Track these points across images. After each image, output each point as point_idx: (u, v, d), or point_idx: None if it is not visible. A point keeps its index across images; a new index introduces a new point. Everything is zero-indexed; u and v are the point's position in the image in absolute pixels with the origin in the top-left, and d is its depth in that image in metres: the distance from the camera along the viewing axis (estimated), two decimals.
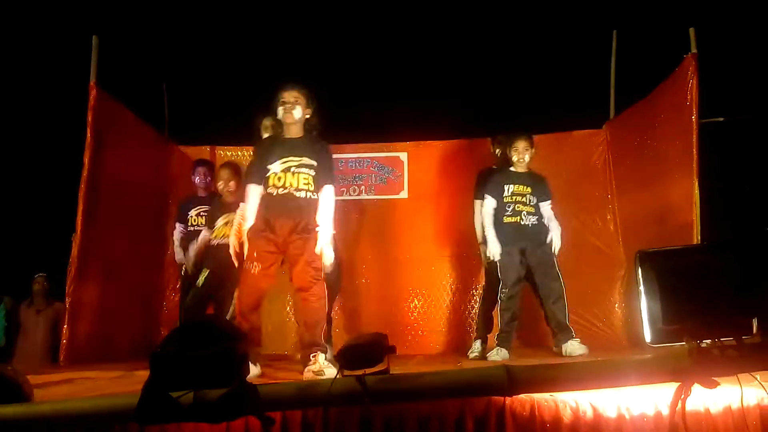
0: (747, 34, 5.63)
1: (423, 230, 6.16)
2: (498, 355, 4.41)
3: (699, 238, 4.21)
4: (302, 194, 3.59)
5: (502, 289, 4.57)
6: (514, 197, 4.59)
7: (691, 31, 4.52)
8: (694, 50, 4.48)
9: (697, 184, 4.30)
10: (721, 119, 4.89)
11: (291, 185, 3.57)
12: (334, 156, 4.17)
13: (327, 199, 3.66)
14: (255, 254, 3.55)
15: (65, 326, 4.76)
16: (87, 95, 4.93)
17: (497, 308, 4.67)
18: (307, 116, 3.72)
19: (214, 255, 4.57)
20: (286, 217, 3.56)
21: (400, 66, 6.57)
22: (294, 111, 3.64)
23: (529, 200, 4.60)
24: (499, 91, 6.50)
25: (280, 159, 3.60)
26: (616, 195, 5.74)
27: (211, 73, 6.64)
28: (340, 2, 6.57)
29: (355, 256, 5.99)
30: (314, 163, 3.64)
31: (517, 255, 4.53)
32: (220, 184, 4.71)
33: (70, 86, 5.29)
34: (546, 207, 4.66)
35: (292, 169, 3.59)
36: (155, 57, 6.34)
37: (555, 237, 4.53)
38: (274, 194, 3.58)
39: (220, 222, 4.65)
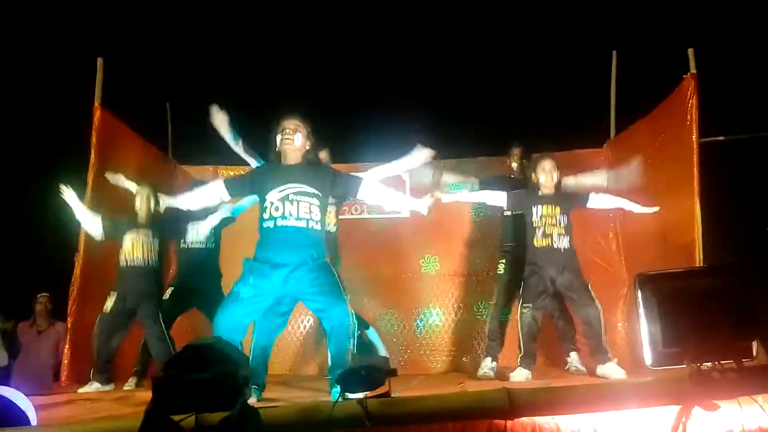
0: (746, 53, 5.68)
1: (425, 249, 6.16)
2: (522, 375, 4.29)
3: (701, 257, 4.20)
4: (303, 224, 3.36)
5: (524, 305, 4.43)
6: (543, 219, 4.45)
7: (690, 51, 4.55)
8: (693, 70, 4.51)
9: (698, 202, 4.30)
10: (722, 138, 4.91)
11: (291, 215, 3.34)
12: None
13: (376, 187, 3.59)
14: (251, 280, 3.33)
15: (67, 346, 4.78)
16: (92, 116, 4.98)
17: (517, 326, 4.53)
18: (307, 147, 3.54)
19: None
20: (289, 255, 3.33)
21: (402, 86, 6.63)
22: (294, 138, 3.47)
23: (559, 221, 4.45)
24: (501, 111, 6.55)
25: (275, 187, 3.40)
26: (618, 214, 5.75)
27: (214, 93, 6.68)
28: (341, 26, 6.65)
29: (358, 274, 5.98)
30: (316, 191, 3.43)
31: (546, 276, 4.40)
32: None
33: (75, 107, 5.34)
34: (594, 199, 4.58)
35: (290, 197, 3.37)
36: (159, 77, 6.41)
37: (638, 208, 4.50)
38: (272, 227, 3.36)
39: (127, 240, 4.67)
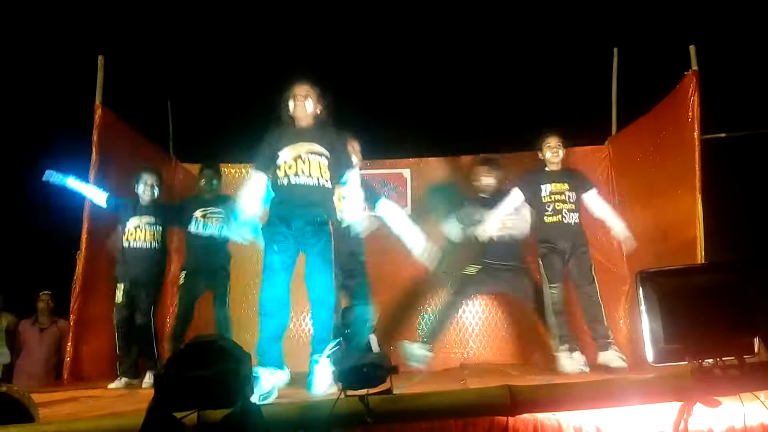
0: (748, 50, 5.67)
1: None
2: (575, 364, 4.26)
3: (703, 253, 4.20)
4: (314, 182, 3.57)
5: (551, 285, 4.48)
6: (552, 196, 4.57)
7: (692, 48, 4.55)
8: (694, 67, 4.51)
9: (700, 199, 4.30)
10: (723, 135, 4.91)
11: (303, 172, 3.56)
12: None
13: (354, 186, 3.76)
14: (275, 248, 3.55)
15: (69, 344, 4.78)
16: (93, 114, 4.97)
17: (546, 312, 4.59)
18: (318, 111, 3.75)
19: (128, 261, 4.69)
20: (300, 211, 3.57)
21: (403, 84, 6.63)
22: (306, 104, 3.68)
23: (568, 197, 4.57)
24: (502, 109, 6.54)
25: (288, 146, 3.61)
26: (619, 210, 5.73)
27: (215, 91, 6.69)
28: (343, 24, 6.64)
29: None
30: (326, 152, 3.64)
31: (560, 251, 4.51)
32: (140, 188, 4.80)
33: (76, 105, 5.33)
34: (592, 196, 4.66)
35: (302, 156, 3.58)
36: (160, 75, 6.40)
37: (621, 232, 4.55)
38: (286, 183, 3.57)
39: (130, 224, 4.72)
